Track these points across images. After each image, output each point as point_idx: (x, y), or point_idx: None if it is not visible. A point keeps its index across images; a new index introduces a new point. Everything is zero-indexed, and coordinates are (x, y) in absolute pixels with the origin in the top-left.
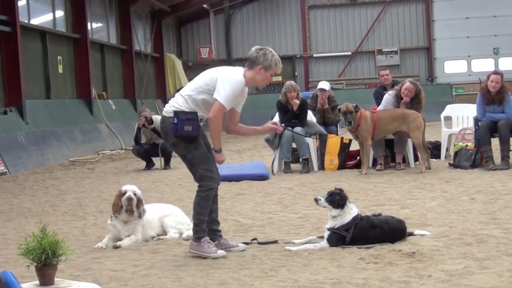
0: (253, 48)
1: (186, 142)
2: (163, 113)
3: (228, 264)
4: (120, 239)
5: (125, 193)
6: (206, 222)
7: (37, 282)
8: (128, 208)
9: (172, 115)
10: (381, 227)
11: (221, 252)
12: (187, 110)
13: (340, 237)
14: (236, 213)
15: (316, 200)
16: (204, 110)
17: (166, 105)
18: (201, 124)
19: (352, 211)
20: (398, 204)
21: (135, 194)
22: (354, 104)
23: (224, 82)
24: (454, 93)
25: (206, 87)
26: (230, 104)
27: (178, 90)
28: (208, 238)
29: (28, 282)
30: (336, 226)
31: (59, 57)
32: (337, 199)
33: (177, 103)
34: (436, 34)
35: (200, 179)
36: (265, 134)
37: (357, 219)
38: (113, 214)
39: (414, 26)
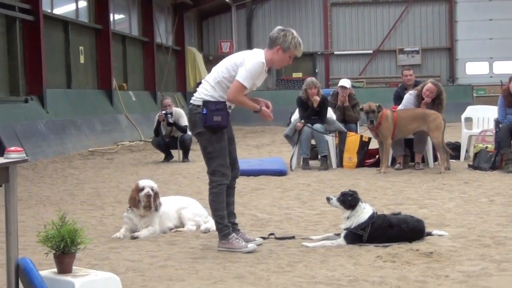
0: (276, 28)
1: (212, 133)
2: (192, 101)
3: (245, 258)
4: (137, 231)
5: (142, 188)
6: (226, 217)
7: (55, 269)
8: (147, 205)
9: (201, 103)
10: (399, 226)
11: (251, 246)
12: (215, 100)
13: (357, 236)
14: (253, 207)
15: (328, 199)
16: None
17: (196, 94)
18: (230, 111)
19: (365, 210)
20: (416, 204)
21: (152, 189)
22: (377, 104)
23: (245, 65)
24: (475, 94)
25: (228, 74)
26: (249, 83)
27: (198, 84)
28: (235, 234)
29: (46, 269)
30: (352, 226)
31: (81, 47)
32: (348, 200)
33: (206, 90)
34: (459, 35)
35: (212, 173)
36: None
37: (373, 218)
38: (130, 208)
39: (436, 26)
